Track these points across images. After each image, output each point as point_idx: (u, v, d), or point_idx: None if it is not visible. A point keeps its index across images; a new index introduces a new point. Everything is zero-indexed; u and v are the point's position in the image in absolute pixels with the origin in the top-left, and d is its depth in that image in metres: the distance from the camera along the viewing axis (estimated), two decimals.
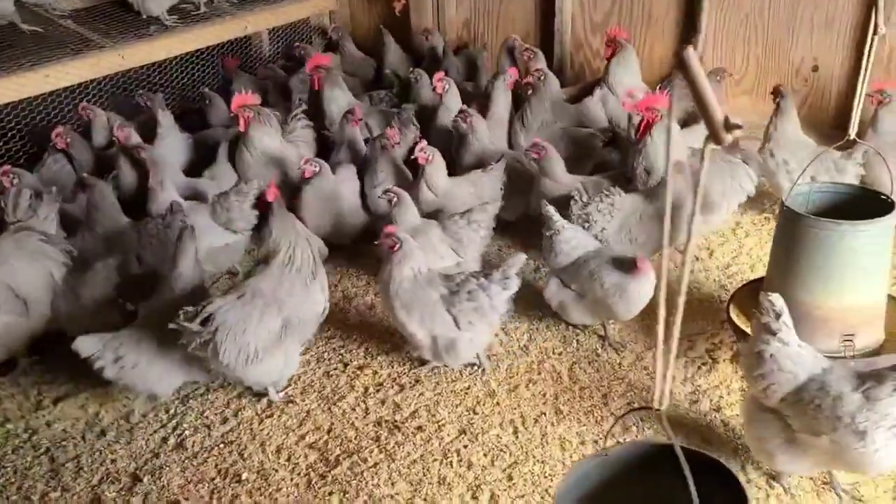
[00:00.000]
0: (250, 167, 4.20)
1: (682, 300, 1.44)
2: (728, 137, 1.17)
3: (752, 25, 4.80)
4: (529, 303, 3.80)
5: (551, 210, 3.50)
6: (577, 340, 3.57)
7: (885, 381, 2.35)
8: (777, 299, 2.53)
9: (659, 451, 1.76)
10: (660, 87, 4.76)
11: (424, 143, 3.93)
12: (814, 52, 4.66)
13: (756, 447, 2.68)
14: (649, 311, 3.66)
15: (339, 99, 4.75)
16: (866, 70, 2.79)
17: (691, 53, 1.22)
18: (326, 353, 3.54)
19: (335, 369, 3.44)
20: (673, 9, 5.02)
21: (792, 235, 2.87)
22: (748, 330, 3.10)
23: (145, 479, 2.89)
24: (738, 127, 1.16)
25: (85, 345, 2.98)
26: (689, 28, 4.96)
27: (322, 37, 6.26)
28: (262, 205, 3.62)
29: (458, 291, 3.18)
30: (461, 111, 4.35)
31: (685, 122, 4.47)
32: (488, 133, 4.39)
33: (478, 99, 4.89)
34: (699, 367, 3.35)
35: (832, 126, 4.77)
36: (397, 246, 3.15)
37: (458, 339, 3.20)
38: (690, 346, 3.48)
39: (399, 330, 3.31)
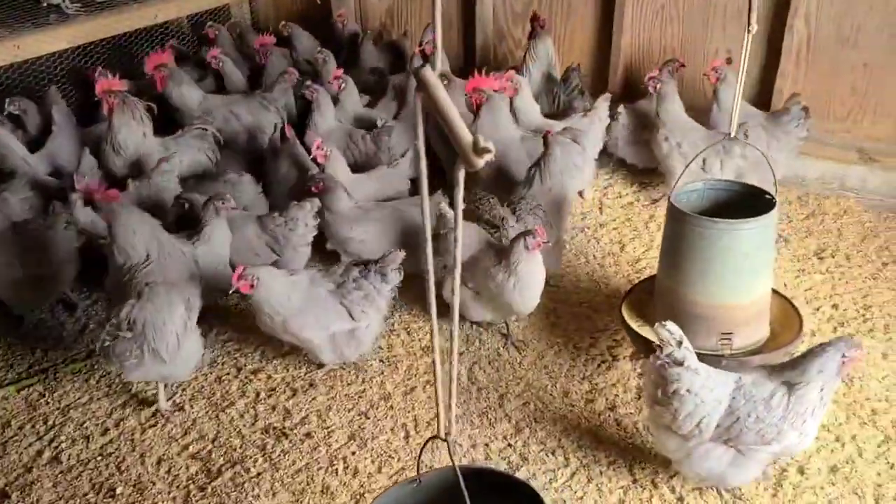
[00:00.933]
0: (113, 163, 4.00)
1: (455, 328, 1.37)
2: (480, 161, 1.10)
3: (668, 16, 4.76)
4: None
5: (445, 207, 3.42)
6: (480, 340, 3.51)
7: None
8: (674, 327, 2.45)
9: (474, 476, 1.73)
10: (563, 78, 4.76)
11: (320, 139, 3.82)
12: (727, 43, 4.64)
13: (703, 477, 2.58)
14: (553, 308, 3.64)
15: (191, 95, 4.52)
16: (743, 66, 2.74)
17: (429, 73, 1.14)
18: (220, 357, 3.42)
19: (227, 374, 3.33)
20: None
21: (676, 232, 2.84)
22: (638, 329, 3.08)
23: (14, 496, 2.75)
24: (489, 151, 1.08)
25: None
26: (607, 16, 4.91)
27: (232, 29, 6.05)
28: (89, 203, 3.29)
29: (345, 282, 3.16)
30: (307, 85, 4.29)
31: None
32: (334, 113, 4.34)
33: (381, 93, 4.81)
34: (598, 365, 3.32)
35: None
36: (254, 285, 3.00)
37: (356, 329, 3.16)
38: (592, 344, 3.45)
39: (291, 342, 3.23)
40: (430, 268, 1.42)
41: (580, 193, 4.61)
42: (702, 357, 2.49)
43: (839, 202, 4.44)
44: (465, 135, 1.09)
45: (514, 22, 5.32)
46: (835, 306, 3.62)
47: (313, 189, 3.66)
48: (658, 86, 4.20)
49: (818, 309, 3.60)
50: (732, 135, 2.83)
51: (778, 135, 4.20)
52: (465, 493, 1.45)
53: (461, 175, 1.20)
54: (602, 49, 5.03)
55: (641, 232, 4.27)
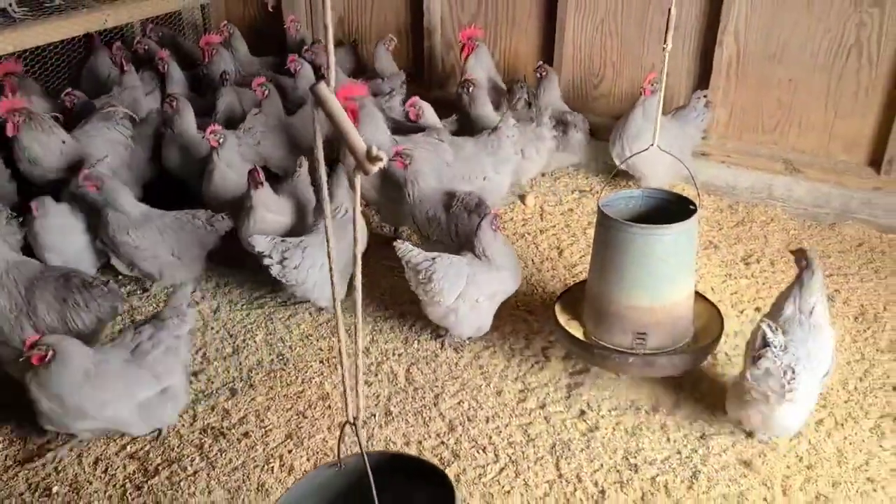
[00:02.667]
0: (32, 176, 4.07)
1: (359, 321, 1.48)
2: (373, 168, 1.21)
3: (607, 31, 4.94)
4: (377, 304, 3.84)
5: (407, 250, 3.33)
6: (419, 341, 3.62)
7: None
8: (772, 324, 2.71)
9: (391, 460, 1.84)
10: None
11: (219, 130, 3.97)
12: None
13: (783, 429, 2.92)
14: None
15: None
16: (662, 81, 2.90)
17: (324, 88, 1.24)
18: None
19: None
20: (534, 12, 5.12)
21: (600, 235, 2.99)
22: (572, 330, 3.22)
23: None
24: (380, 159, 1.19)
25: (259, 241, 3.47)
26: (549, 28, 5.08)
27: (194, 31, 6.10)
28: None
29: (140, 344, 2.92)
30: (168, 95, 4.40)
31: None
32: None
33: None
34: (532, 366, 3.45)
35: None
36: (47, 357, 2.74)
37: (158, 397, 2.95)
38: (527, 345, 3.58)
39: (91, 430, 2.95)
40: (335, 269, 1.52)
41: (522, 200, 4.77)
42: (616, 353, 2.64)
43: (767, 210, 4.66)
44: (360, 144, 1.19)
45: (460, 32, 5.44)
46: (758, 309, 3.80)
47: (90, 188, 3.68)
48: (471, 88, 4.61)
49: (742, 311, 3.79)
50: (655, 144, 2.98)
51: (686, 129, 4.54)
52: (371, 476, 1.55)
53: (358, 180, 1.30)
54: (545, 61, 5.19)
55: (579, 238, 4.43)
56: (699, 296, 3.37)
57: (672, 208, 3.15)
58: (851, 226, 4.49)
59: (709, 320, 3.22)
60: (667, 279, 2.88)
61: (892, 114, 4.36)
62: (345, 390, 1.65)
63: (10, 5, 4.88)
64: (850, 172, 4.52)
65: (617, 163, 4.48)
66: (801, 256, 2.91)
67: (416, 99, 4.44)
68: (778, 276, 4.06)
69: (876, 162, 4.48)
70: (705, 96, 4.61)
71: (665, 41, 2.73)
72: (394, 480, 1.77)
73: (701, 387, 3.28)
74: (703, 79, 4.75)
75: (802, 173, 4.57)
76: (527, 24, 5.18)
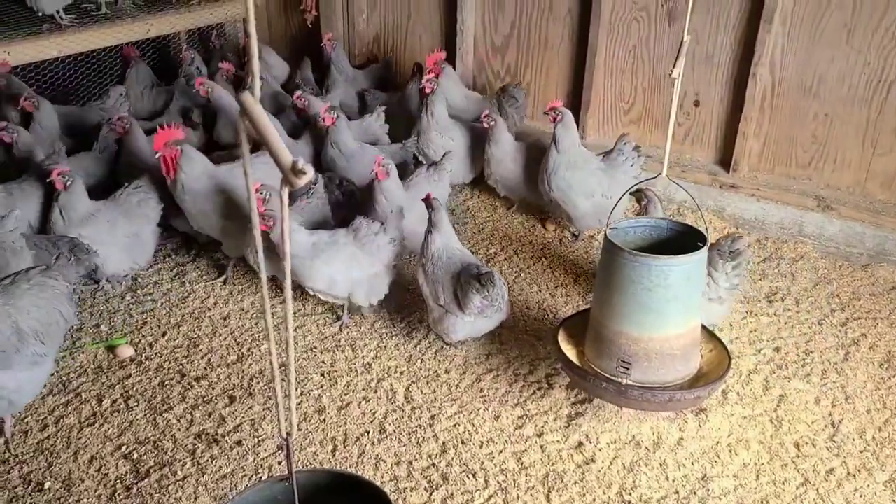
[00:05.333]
0: None
1: (290, 335, 1.46)
2: (299, 181, 1.19)
3: (639, 57, 4.87)
4: (384, 321, 3.82)
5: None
6: (422, 360, 3.58)
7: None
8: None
9: (341, 478, 1.81)
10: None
11: (60, 167, 3.74)
12: (695, 86, 4.74)
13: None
14: (498, 333, 3.70)
15: None
16: (673, 109, 2.84)
17: (249, 98, 1.23)
18: (167, 363, 3.52)
19: (171, 379, 3.42)
20: (566, 36, 5.09)
21: (602, 258, 2.95)
22: (568, 349, 3.16)
23: None
24: (305, 172, 1.17)
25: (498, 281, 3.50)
26: (581, 53, 5.04)
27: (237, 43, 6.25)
28: None
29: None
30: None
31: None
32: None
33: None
34: (534, 392, 3.38)
35: (715, 160, 4.87)
36: None
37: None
38: (531, 371, 3.51)
39: None
40: (264, 275, 1.50)
41: (543, 224, 4.72)
42: (592, 375, 2.73)
43: (796, 247, 4.50)
44: (286, 157, 1.18)
45: (493, 54, 5.45)
46: (777, 349, 3.67)
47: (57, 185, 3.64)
48: (434, 86, 4.71)
49: (760, 350, 3.65)
50: (664, 173, 2.92)
51: (615, 174, 4.32)
52: (296, 494, 1.53)
53: (286, 193, 1.29)
54: (576, 85, 5.15)
55: (596, 265, 4.34)
56: (714, 338, 3.24)
57: (682, 238, 3.05)
58: (886, 268, 4.30)
59: (717, 366, 3.10)
60: (652, 311, 2.78)
61: None
62: (277, 407, 1.62)
63: (58, 12, 5.07)
64: (887, 212, 4.34)
65: (545, 198, 4.48)
66: None
67: (203, 79, 4.53)
68: (802, 316, 3.91)
69: None
70: (637, 147, 4.37)
71: (673, 68, 2.67)
72: (339, 498, 1.74)
73: (708, 425, 3.17)
74: (736, 108, 4.64)
75: (836, 211, 4.41)
76: (559, 47, 5.15)
